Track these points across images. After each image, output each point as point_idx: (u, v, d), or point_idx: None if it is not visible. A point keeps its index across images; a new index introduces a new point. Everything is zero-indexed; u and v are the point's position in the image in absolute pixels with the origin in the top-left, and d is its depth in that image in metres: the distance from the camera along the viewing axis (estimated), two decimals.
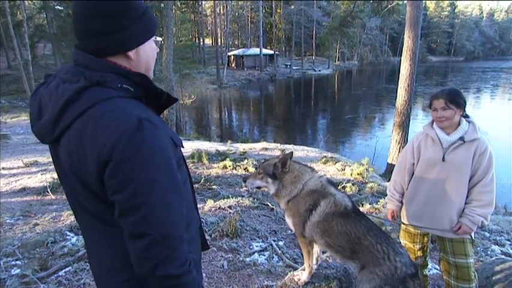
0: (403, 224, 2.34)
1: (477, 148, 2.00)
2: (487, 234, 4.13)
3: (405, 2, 10.99)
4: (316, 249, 2.12)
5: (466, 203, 2.07)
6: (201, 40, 44.56)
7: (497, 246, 3.83)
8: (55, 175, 5.25)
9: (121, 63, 0.94)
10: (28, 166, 6.59)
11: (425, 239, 2.33)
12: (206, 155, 7.45)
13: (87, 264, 2.74)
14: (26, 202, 4.70)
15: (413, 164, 2.25)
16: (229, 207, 4.27)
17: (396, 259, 1.71)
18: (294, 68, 44.35)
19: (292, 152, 1.98)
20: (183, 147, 1.08)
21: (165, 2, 12.80)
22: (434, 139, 2.12)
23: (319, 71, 47.02)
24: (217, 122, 21.66)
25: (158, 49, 1.09)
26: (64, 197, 4.49)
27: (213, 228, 3.55)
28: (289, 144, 11.44)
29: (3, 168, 6.50)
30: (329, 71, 48.23)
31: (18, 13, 20.06)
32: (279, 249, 3.36)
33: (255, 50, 42.96)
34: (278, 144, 10.83)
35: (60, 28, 20.84)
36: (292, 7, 47.10)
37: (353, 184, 5.99)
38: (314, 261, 2.15)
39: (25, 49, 16.83)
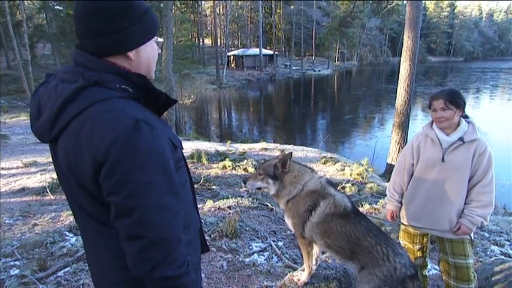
0: (403, 224, 2.34)
1: (476, 149, 2.00)
2: (487, 235, 4.13)
3: (405, 2, 11.00)
4: (316, 249, 2.12)
5: (465, 204, 2.07)
6: (201, 40, 44.58)
7: (496, 246, 3.83)
8: (54, 175, 5.25)
9: (121, 64, 0.94)
10: (27, 166, 6.58)
11: (425, 239, 2.33)
12: (205, 155, 7.45)
13: (86, 264, 2.73)
14: (25, 202, 4.70)
15: (413, 164, 2.25)
16: (229, 207, 4.27)
17: (396, 260, 1.71)
18: (293, 68, 44.36)
19: (291, 153, 1.97)
20: (182, 148, 1.07)
21: (164, 2, 12.81)
22: (434, 139, 2.12)
23: (319, 71, 47.04)
24: (216, 122, 21.66)
25: (160, 50, 1.08)
26: (63, 197, 4.49)
27: (212, 229, 3.54)
28: (289, 144, 11.44)
29: (2, 168, 6.48)
30: (329, 71, 48.24)
31: (18, 13, 20.05)
32: (279, 250, 3.35)
33: (254, 50, 42.96)
34: (278, 145, 10.83)
35: (59, 28, 20.84)
36: (292, 7, 47.13)
37: (352, 184, 5.99)
38: (313, 262, 2.15)
39: (24, 49, 16.82)
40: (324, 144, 13.38)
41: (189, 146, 8.93)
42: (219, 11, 45.98)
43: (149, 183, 0.82)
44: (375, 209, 4.66)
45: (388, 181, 5.51)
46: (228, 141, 11.21)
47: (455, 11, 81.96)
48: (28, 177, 5.90)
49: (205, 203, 4.38)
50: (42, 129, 0.90)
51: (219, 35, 44.11)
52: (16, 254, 3.01)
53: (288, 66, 44.58)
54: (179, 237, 0.88)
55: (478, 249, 3.68)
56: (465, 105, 2.06)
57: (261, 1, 42.94)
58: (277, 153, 8.98)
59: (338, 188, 2.05)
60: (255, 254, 3.24)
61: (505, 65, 58.01)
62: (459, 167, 2.03)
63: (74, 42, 0.95)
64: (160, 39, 1.08)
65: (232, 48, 48.68)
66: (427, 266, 2.45)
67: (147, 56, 1.00)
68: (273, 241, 3.55)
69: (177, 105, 16.10)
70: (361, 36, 53.15)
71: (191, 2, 38.31)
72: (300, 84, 37.70)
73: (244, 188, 5.34)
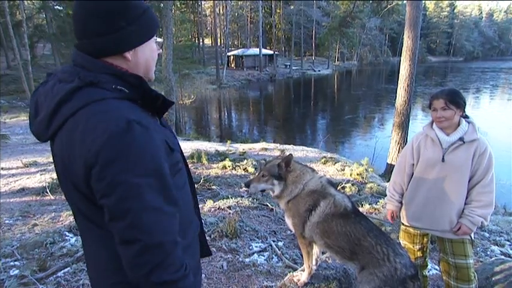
0: (403, 224, 2.34)
1: (477, 149, 2.00)
2: (487, 235, 4.13)
3: (405, 2, 11.00)
4: (316, 249, 2.12)
5: (465, 204, 2.07)
6: (201, 40, 44.58)
7: (496, 246, 3.83)
8: (54, 175, 5.25)
9: (118, 64, 0.93)
10: (27, 166, 6.58)
11: (425, 239, 2.33)
12: (205, 155, 7.45)
13: (86, 265, 2.73)
14: (25, 202, 4.69)
15: (413, 164, 2.24)
16: (229, 207, 4.27)
17: (396, 260, 1.71)
18: (293, 68, 44.36)
19: (291, 154, 1.97)
20: (181, 151, 1.06)
21: (164, 2, 12.82)
22: (434, 139, 2.11)
23: (319, 71, 47.02)
24: (216, 122, 21.66)
25: (160, 50, 1.08)
26: (63, 197, 4.48)
27: (212, 229, 3.55)
28: (289, 144, 11.45)
29: (2, 168, 6.48)
30: (328, 71, 48.24)
31: (18, 13, 20.05)
32: (279, 250, 3.35)
33: (254, 50, 42.95)
34: (277, 145, 10.84)
35: (59, 28, 20.81)
36: (292, 7, 47.12)
37: (352, 184, 5.98)
38: (314, 262, 2.15)
39: (24, 49, 16.83)
40: (324, 144, 13.38)
41: (189, 146, 8.93)
42: (219, 11, 45.96)
43: (141, 185, 0.81)
44: (375, 209, 4.65)
45: (388, 181, 5.50)
46: (228, 141, 11.21)
47: (455, 10, 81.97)
48: (28, 178, 5.90)
49: (205, 203, 4.38)
50: (39, 129, 0.90)
51: (219, 35, 44.09)
52: (16, 254, 3.01)
53: (288, 66, 44.58)
54: (175, 240, 0.87)
55: (478, 249, 3.68)
56: (465, 105, 2.06)
57: (261, 1, 42.93)
58: (277, 153, 8.97)
59: (338, 188, 2.05)
60: (255, 254, 3.24)
61: (505, 65, 58.00)
62: (459, 167, 2.02)
63: (74, 42, 0.94)
64: (160, 40, 1.08)
65: (232, 48, 48.68)
66: (427, 266, 2.45)
67: (145, 56, 0.99)
68: (273, 241, 3.54)
69: (177, 105, 16.13)
70: (361, 36, 53.15)
71: (191, 2, 38.32)
72: (300, 84, 37.69)
73: (244, 188, 5.34)
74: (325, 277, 2.17)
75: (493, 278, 2.63)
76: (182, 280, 0.87)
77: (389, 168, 8.72)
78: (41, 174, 5.98)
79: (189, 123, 21.01)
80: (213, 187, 5.43)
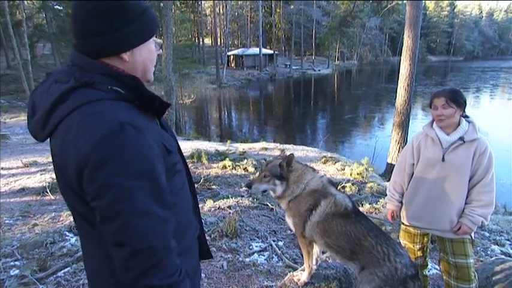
0: (403, 224, 2.34)
1: (477, 148, 2.00)
2: (487, 234, 4.13)
3: (405, 1, 10.99)
4: (316, 249, 2.12)
5: (466, 203, 2.07)
6: (201, 40, 44.54)
7: (497, 246, 3.83)
8: (54, 175, 5.24)
9: (115, 65, 0.93)
10: (27, 166, 6.58)
11: (425, 239, 2.33)
12: (206, 154, 7.45)
13: None
14: (25, 202, 4.69)
15: (413, 164, 2.24)
16: (229, 207, 4.27)
17: (396, 260, 1.71)
18: (293, 67, 44.35)
19: (292, 154, 1.96)
20: (178, 153, 1.04)
21: (164, 2, 12.82)
22: (434, 139, 2.11)
23: (319, 70, 47.00)
24: (216, 122, 21.66)
25: (160, 51, 1.07)
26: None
27: (212, 229, 3.55)
28: (289, 144, 11.44)
29: (2, 168, 6.48)
30: (328, 70, 48.22)
31: (18, 13, 20.04)
32: (279, 250, 3.35)
33: (254, 50, 42.95)
34: (278, 144, 10.83)
35: (59, 28, 20.82)
36: (292, 7, 47.10)
37: (353, 184, 5.98)
38: (314, 262, 2.15)
39: (24, 49, 16.83)
40: (324, 144, 13.38)
41: (189, 146, 8.92)
42: (219, 10, 45.95)
43: (132, 188, 0.79)
44: (375, 209, 4.65)
45: (388, 181, 5.50)
46: (228, 141, 11.21)
47: (455, 10, 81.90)
48: (28, 177, 5.90)
49: (205, 202, 4.38)
50: (35, 129, 0.90)
51: (218, 35, 44.07)
52: (16, 254, 3.01)
53: (288, 66, 44.57)
54: (167, 245, 0.85)
55: (478, 248, 3.68)
56: (466, 105, 2.06)
57: (261, 1, 42.92)
58: (277, 152, 8.97)
59: (338, 188, 2.05)
60: (255, 254, 3.24)
61: (505, 64, 57.96)
62: (459, 166, 2.02)
63: (74, 42, 0.94)
64: (159, 41, 1.06)
65: (232, 48, 48.66)
66: (427, 265, 2.45)
67: (143, 57, 0.98)
68: (273, 241, 3.54)
69: (177, 104, 16.11)
70: (361, 36, 53.11)
71: (191, 1, 38.26)
72: (300, 84, 37.69)
73: (244, 188, 5.34)
74: (325, 277, 2.17)
75: (494, 278, 2.63)
76: (175, 285, 0.86)
77: (390, 167, 8.72)
78: (41, 174, 5.98)
79: (189, 122, 21.01)
80: (213, 187, 5.43)
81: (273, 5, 47.46)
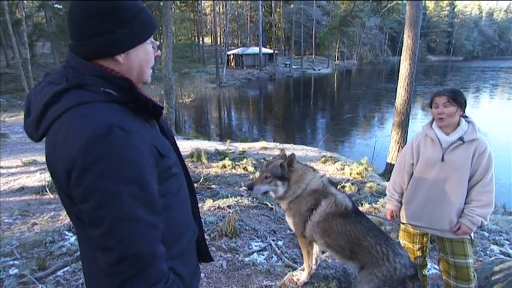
0: (402, 224, 2.34)
1: (476, 148, 2.00)
2: (486, 234, 4.13)
3: (405, 1, 10.98)
4: (316, 249, 2.12)
5: (465, 203, 2.07)
6: (201, 39, 44.47)
7: (496, 246, 3.83)
8: None
9: (109, 67, 0.92)
10: (27, 165, 6.57)
11: (425, 239, 2.33)
12: (205, 154, 7.45)
13: None
14: (25, 201, 4.69)
15: (413, 164, 2.24)
16: (229, 206, 4.26)
17: (396, 260, 1.71)
18: (293, 67, 44.35)
19: (293, 154, 1.96)
20: (173, 156, 1.02)
21: (164, 1, 12.80)
22: (434, 139, 2.11)
23: (319, 70, 47.01)
24: (216, 121, 21.65)
25: (158, 52, 1.05)
26: None
27: (212, 228, 3.54)
28: (289, 143, 11.43)
29: (1, 167, 6.48)
30: (328, 70, 48.22)
31: (17, 11, 19.98)
32: (278, 249, 3.35)
33: (254, 49, 42.93)
34: (277, 144, 10.83)
35: (59, 27, 20.77)
36: (292, 6, 47.06)
37: (352, 184, 5.99)
38: (313, 262, 2.15)
39: (24, 48, 16.81)
40: (323, 144, 13.38)
41: (188, 145, 8.92)
42: (219, 9, 45.89)
43: (119, 193, 0.78)
44: (375, 208, 4.66)
45: (387, 180, 5.50)
46: (228, 140, 11.20)
47: (455, 10, 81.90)
48: (27, 176, 5.89)
49: (204, 202, 4.37)
50: (30, 129, 0.90)
51: (218, 34, 44.04)
52: (15, 253, 3.01)
53: (288, 65, 44.56)
54: (154, 252, 0.84)
55: (477, 248, 3.68)
56: (466, 105, 2.06)
57: (260, 0, 42.86)
58: (276, 152, 8.97)
59: (338, 188, 2.04)
60: (255, 254, 3.24)
61: (505, 64, 58.01)
62: (459, 166, 2.02)
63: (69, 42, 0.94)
64: (155, 42, 1.04)
65: (232, 47, 48.63)
66: (426, 265, 2.45)
67: (139, 59, 0.97)
68: (273, 240, 3.55)
69: (176, 104, 16.08)
70: (361, 35, 53.13)
71: (191, 0, 38.21)
72: (300, 83, 37.68)
73: (243, 188, 5.34)
74: (324, 276, 2.17)
75: (493, 278, 2.64)
76: None
77: (389, 167, 8.73)
78: (40, 173, 5.98)
79: (188, 122, 21.00)
80: (213, 186, 5.43)
81: (273, 5, 47.41)
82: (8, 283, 2.50)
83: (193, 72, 26.15)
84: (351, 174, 6.78)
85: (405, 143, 8.11)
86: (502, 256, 3.40)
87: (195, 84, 24.47)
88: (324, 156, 8.53)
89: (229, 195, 4.72)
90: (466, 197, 2.07)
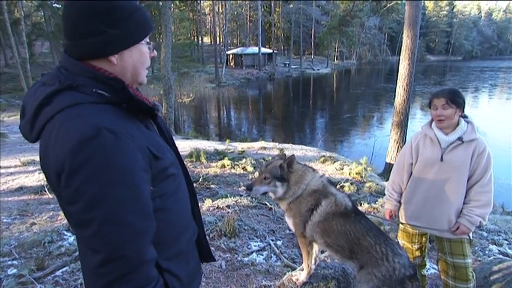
0: (401, 223, 2.34)
1: (475, 148, 2.00)
2: (485, 234, 4.13)
3: (404, 1, 10.99)
4: (315, 249, 2.12)
5: (464, 203, 2.07)
6: (200, 39, 44.39)
7: (494, 245, 3.84)
8: None
9: (102, 68, 0.91)
10: (25, 165, 6.56)
11: (424, 239, 2.33)
12: (204, 153, 7.44)
13: None
14: (23, 201, 4.68)
15: (412, 163, 2.24)
16: (228, 206, 4.26)
17: (395, 260, 1.71)
18: (292, 67, 44.35)
19: (293, 155, 1.96)
20: (170, 157, 1.00)
21: (163, 1, 12.78)
22: (433, 139, 2.11)
23: (318, 70, 47.03)
24: (215, 121, 21.65)
25: (154, 53, 1.04)
26: None
27: (211, 228, 3.54)
28: (288, 143, 11.43)
29: (0, 167, 6.46)
30: (327, 70, 48.25)
31: (16, 11, 19.94)
32: (277, 249, 3.35)
33: (253, 49, 42.92)
34: (276, 144, 10.83)
35: (57, 26, 20.75)
36: (291, 6, 47.07)
37: (351, 183, 5.99)
38: (312, 261, 2.15)
39: (23, 47, 16.77)
40: (322, 143, 13.40)
41: (187, 145, 8.91)
42: (218, 9, 45.83)
43: (106, 196, 0.78)
44: (374, 208, 4.66)
45: (386, 180, 5.51)
46: (227, 140, 11.20)
47: (454, 10, 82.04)
48: (26, 176, 5.88)
49: (203, 202, 4.37)
50: (25, 131, 0.90)
51: (218, 34, 44.04)
52: (14, 253, 3.00)
53: (287, 65, 44.56)
54: (140, 255, 0.83)
55: (476, 248, 3.69)
56: (465, 105, 2.06)
57: (260, 0, 42.85)
58: (276, 152, 8.98)
59: (337, 187, 2.05)
60: (254, 253, 3.24)
61: (504, 64, 58.12)
62: (458, 166, 2.02)
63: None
64: (152, 43, 1.03)
65: (231, 47, 48.59)
66: (425, 265, 2.45)
67: (133, 60, 0.95)
68: (272, 240, 3.54)
69: (176, 103, 16.08)
70: (361, 35, 53.03)
71: (190, 0, 38.18)
72: (299, 83, 37.70)
73: (242, 188, 5.34)
74: (323, 276, 2.17)
75: (491, 277, 2.64)
76: None
77: (388, 167, 8.73)
78: (39, 173, 5.96)
79: (188, 121, 20.99)
80: (212, 186, 5.43)
81: (272, 4, 47.41)
82: (7, 283, 2.49)
83: (193, 72, 26.10)
84: (350, 174, 6.78)
85: (404, 143, 8.13)
86: (500, 256, 3.41)
87: (194, 84, 24.43)
88: (323, 156, 8.54)
89: (229, 195, 4.72)
90: (465, 197, 2.07)
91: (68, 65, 0.90)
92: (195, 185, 5.25)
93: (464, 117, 2.10)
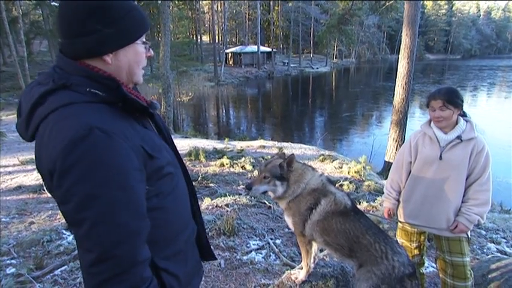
0: (400, 222, 2.35)
1: (474, 147, 2.00)
2: (483, 232, 4.15)
3: (403, 0, 10.98)
4: (314, 248, 2.12)
5: (462, 202, 2.08)
6: (199, 37, 44.28)
7: (493, 244, 3.85)
8: None
9: (97, 67, 0.90)
10: (24, 164, 6.55)
11: (422, 237, 2.33)
12: (203, 152, 7.44)
13: None
14: (22, 200, 4.67)
15: (411, 162, 2.25)
16: (227, 205, 4.26)
17: (394, 258, 1.71)
18: (291, 65, 44.31)
19: (293, 154, 1.96)
20: (167, 156, 1.00)
21: (162, 0, 12.74)
22: (432, 138, 2.12)
23: (317, 68, 47.02)
24: (214, 120, 21.63)
25: (151, 53, 1.03)
26: None
27: (210, 227, 3.54)
28: (287, 142, 11.42)
29: None
30: (327, 68, 48.24)
31: (14, 9, 19.87)
32: (276, 248, 3.35)
33: (252, 48, 42.86)
34: (275, 142, 10.82)
35: (55, 24, 20.64)
36: (290, 4, 46.96)
37: (350, 182, 6.00)
38: (312, 260, 2.15)
39: (21, 46, 16.74)
40: (321, 142, 13.40)
41: (186, 144, 8.91)
42: (217, 8, 45.69)
43: (98, 196, 0.77)
44: (373, 207, 4.67)
45: (385, 179, 5.50)
46: (226, 139, 11.19)
47: (453, 8, 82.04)
48: (25, 175, 5.87)
49: (202, 200, 4.37)
50: (20, 130, 0.90)
51: (216, 32, 43.87)
52: (12, 252, 3.00)
53: (286, 64, 44.51)
54: (133, 256, 0.82)
55: (474, 246, 3.70)
56: (463, 104, 2.06)
57: None
58: (275, 150, 8.97)
59: (336, 186, 2.05)
60: (253, 252, 3.24)
61: (503, 63, 58.22)
62: (457, 165, 2.03)
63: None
64: (148, 42, 1.03)
65: (230, 46, 48.51)
66: (424, 263, 2.46)
67: (128, 60, 0.94)
68: (271, 239, 3.55)
69: (174, 102, 16.06)
70: (360, 34, 53.09)
71: None
72: (298, 82, 37.70)
73: (241, 187, 5.34)
74: (322, 275, 2.18)
75: (489, 276, 2.65)
76: None
77: (387, 166, 8.74)
78: (37, 172, 5.95)
79: (186, 120, 20.96)
80: (211, 185, 5.43)
81: (271, 3, 47.35)
82: (5, 282, 2.49)
83: (191, 71, 26.08)
84: (349, 172, 6.79)
85: (403, 142, 8.13)
86: (498, 254, 3.42)
87: (193, 82, 24.41)
88: (322, 154, 8.54)
89: (228, 194, 4.72)
90: (463, 196, 2.07)
91: (62, 64, 0.90)
92: (194, 183, 5.26)
93: (464, 115, 2.10)
